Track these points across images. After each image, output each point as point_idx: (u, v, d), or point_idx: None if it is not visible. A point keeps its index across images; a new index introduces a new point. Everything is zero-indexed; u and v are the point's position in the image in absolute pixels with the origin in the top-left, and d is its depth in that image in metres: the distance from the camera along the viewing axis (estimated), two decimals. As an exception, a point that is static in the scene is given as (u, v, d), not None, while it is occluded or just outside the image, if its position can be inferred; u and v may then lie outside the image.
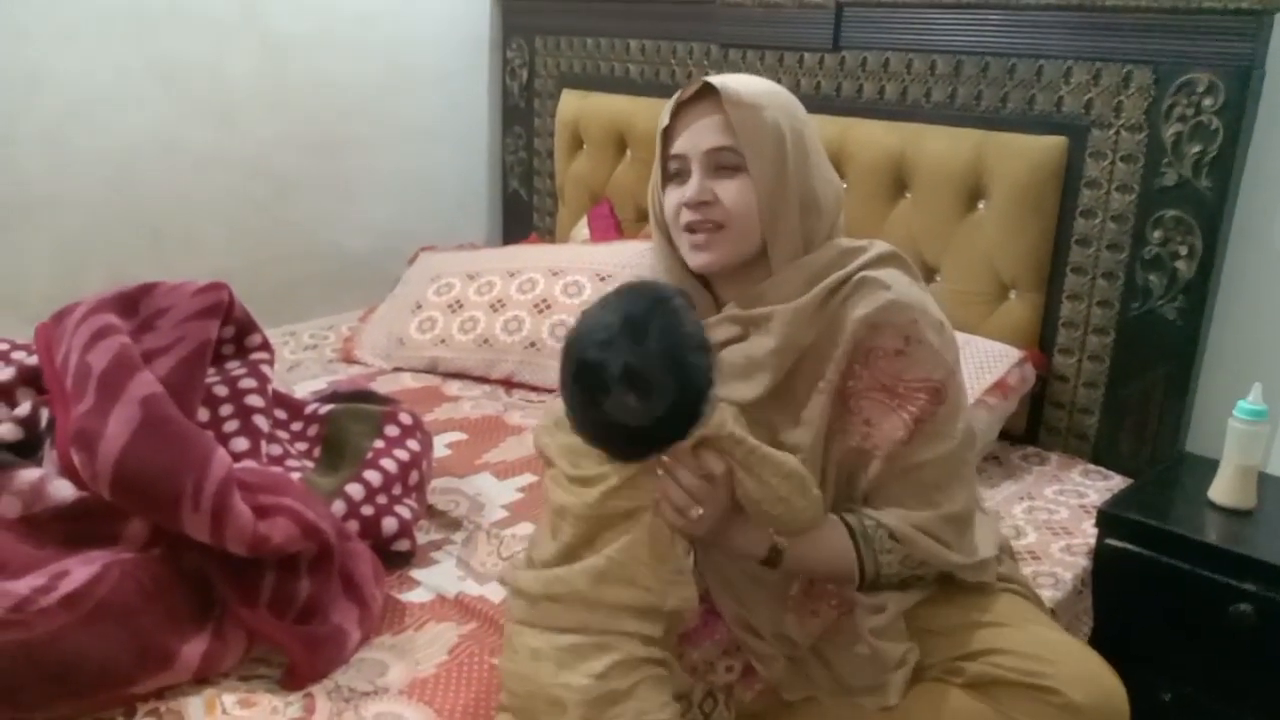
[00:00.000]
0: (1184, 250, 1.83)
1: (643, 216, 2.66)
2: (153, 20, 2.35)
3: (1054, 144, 1.92)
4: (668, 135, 1.29)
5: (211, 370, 1.57)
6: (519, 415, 2.13)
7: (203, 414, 1.51)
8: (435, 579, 1.52)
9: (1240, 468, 1.69)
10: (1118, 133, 1.86)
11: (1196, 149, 1.78)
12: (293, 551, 1.33)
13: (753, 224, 1.25)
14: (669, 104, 1.29)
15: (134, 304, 1.53)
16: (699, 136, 1.25)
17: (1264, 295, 1.88)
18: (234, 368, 1.61)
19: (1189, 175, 1.80)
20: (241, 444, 1.51)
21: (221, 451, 1.33)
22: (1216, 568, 1.59)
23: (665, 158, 1.30)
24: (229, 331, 1.63)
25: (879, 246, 1.29)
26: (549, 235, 2.95)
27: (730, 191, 1.24)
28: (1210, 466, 1.75)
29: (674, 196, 1.28)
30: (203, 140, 2.48)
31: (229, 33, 2.47)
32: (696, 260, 1.28)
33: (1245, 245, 1.87)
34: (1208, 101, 1.76)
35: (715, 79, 1.25)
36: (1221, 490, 1.70)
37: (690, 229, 1.26)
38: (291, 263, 2.69)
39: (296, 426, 1.69)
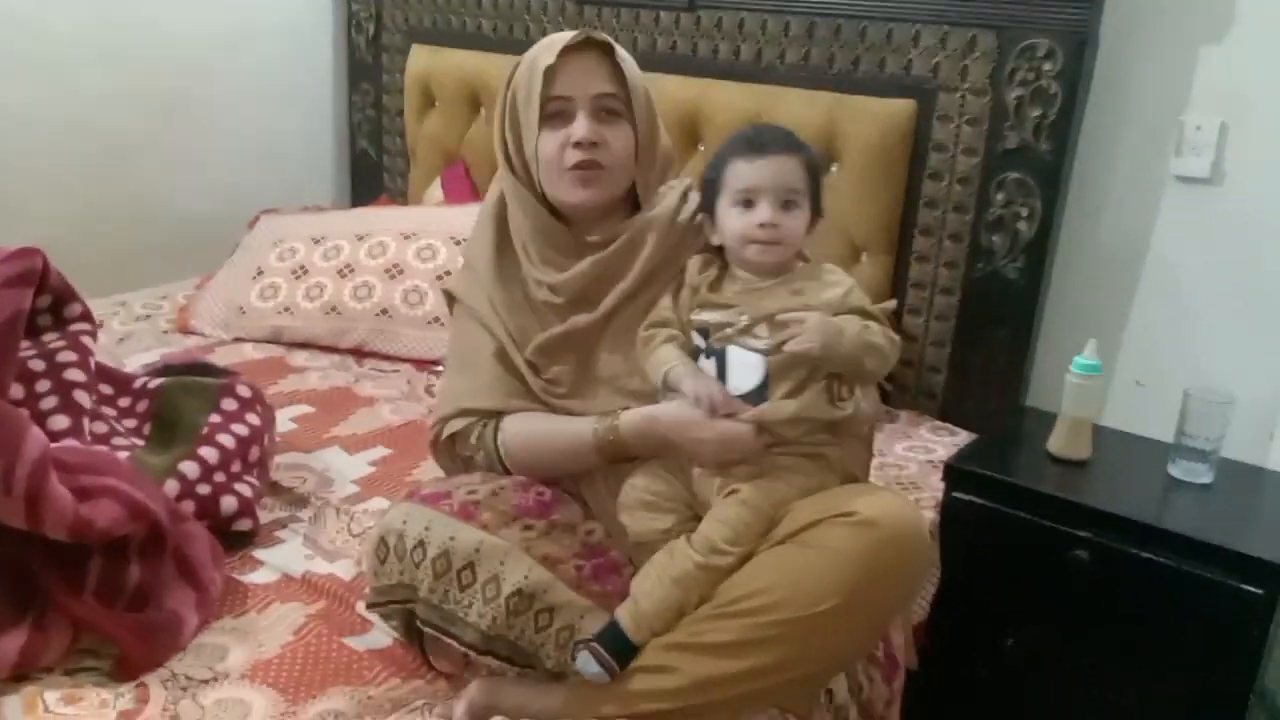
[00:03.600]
0: (1025, 212, 1.89)
1: (498, 178, 2.60)
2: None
3: (903, 107, 1.95)
4: (548, 77, 1.30)
5: (26, 343, 1.46)
6: (370, 386, 2.06)
7: (16, 390, 1.40)
8: (280, 558, 1.46)
9: (1076, 420, 1.76)
10: (964, 96, 1.91)
11: (1037, 113, 1.84)
12: (120, 535, 1.25)
13: (629, 168, 1.35)
14: (551, 45, 1.31)
15: (-68, 273, 1.40)
16: (587, 81, 1.31)
17: (1098, 256, 1.96)
18: (51, 340, 1.49)
19: (1030, 139, 1.86)
20: (61, 422, 1.41)
21: (36, 430, 1.23)
22: (1054, 516, 1.66)
23: (545, 98, 1.31)
24: (45, 301, 1.51)
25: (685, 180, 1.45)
26: (401, 197, 2.85)
27: (616, 135, 1.32)
28: (1049, 420, 1.82)
29: (556, 137, 1.31)
30: (22, 97, 2.29)
31: (51, -19, 2.29)
32: (579, 196, 1.33)
33: (1081, 208, 1.94)
34: (1047, 66, 1.82)
35: (595, 34, 1.33)
36: (1059, 442, 1.78)
37: (577, 166, 1.31)
38: (122, 229, 2.52)
39: (124, 402, 1.59)
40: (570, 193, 1.33)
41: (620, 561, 1.30)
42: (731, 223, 1.28)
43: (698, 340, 1.29)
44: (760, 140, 1.28)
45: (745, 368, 1.25)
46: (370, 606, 1.27)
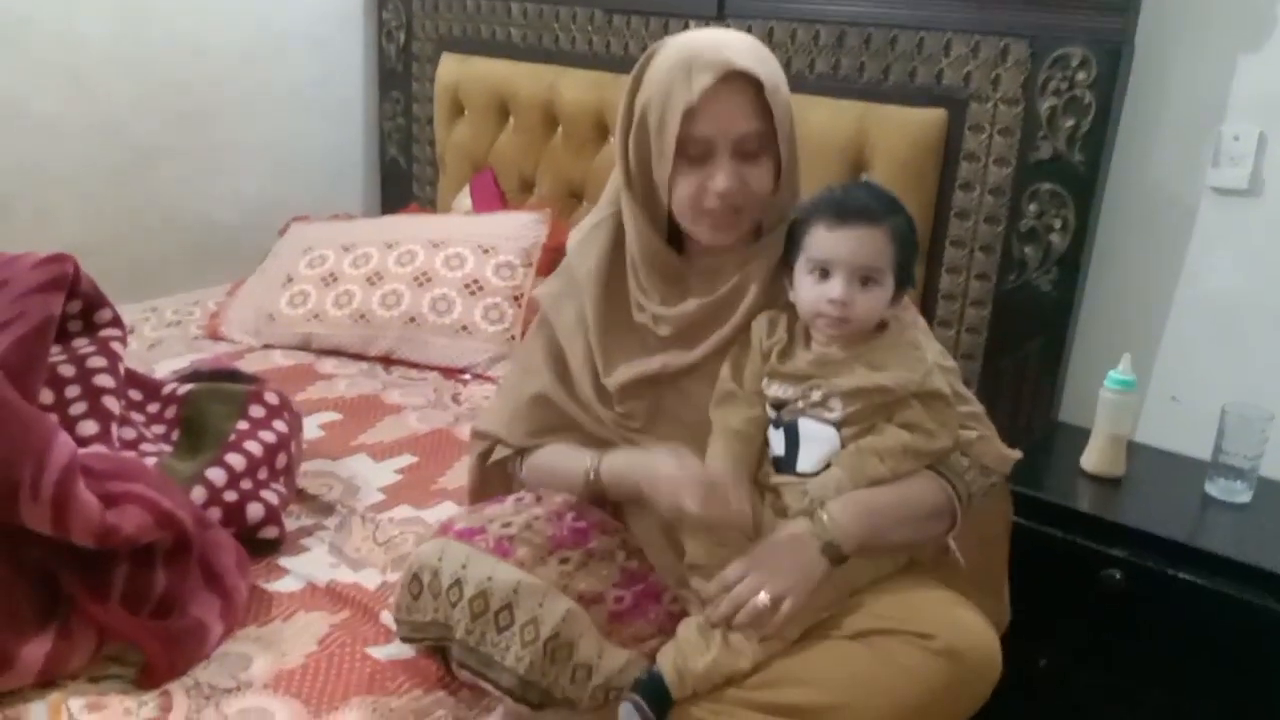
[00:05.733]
0: (1058, 223, 1.86)
1: (527, 186, 2.60)
2: (-9, -25, 2.18)
3: (934, 116, 1.93)
4: (688, 115, 1.21)
5: (56, 349, 1.47)
6: (398, 394, 2.06)
7: (46, 396, 1.42)
8: (305, 567, 1.45)
9: (1110, 437, 1.73)
10: (995, 106, 1.88)
11: (1070, 123, 1.81)
12: (146, 542, 1.26)
13: (766, 201, 1.27)
14: (690, 77, 1.20)
15: (-35, 279, 1.42)
16: (729, 122, 1.22)
17: (1133, 268, 1.93)
18: (81, 345, 1.50)
19: (1063, 149, 1.83)
20: (90, 427, 1.42)
21: (64, 436, 1.24)
22: (1088, 535, 1.63)
23: (684, 138, 1.22)
24: (75, 307, 1.52)
25: None
26: (430, 205, 2.85)
27: (758, 175, 1.25)
28: (1082, 435, 1.79)
29: (695, 178, 1.23)
30: (52, 106, 2.32)
31: (80, -8, 2.31)
32: (715, 238, 1.28)
33: (1116, 219, 1.91)
34: (1081, 76, 1.79)
35: (739, 57, 1.20)
36: (1092, 459, 1.75)
37: (712, 211, 1.25)
38: (153, 235, 2.55)
39: (153, 408, 1.60)
40: (706, 234, 1.28)
41: (660, 587, 1.28)
42: (805, 290, 1.21)
43: (771, 411, 1.24)
44: (846, 207, 1.19)
45: (817, 442, 1.21)
46: (403, 640, 1.25)
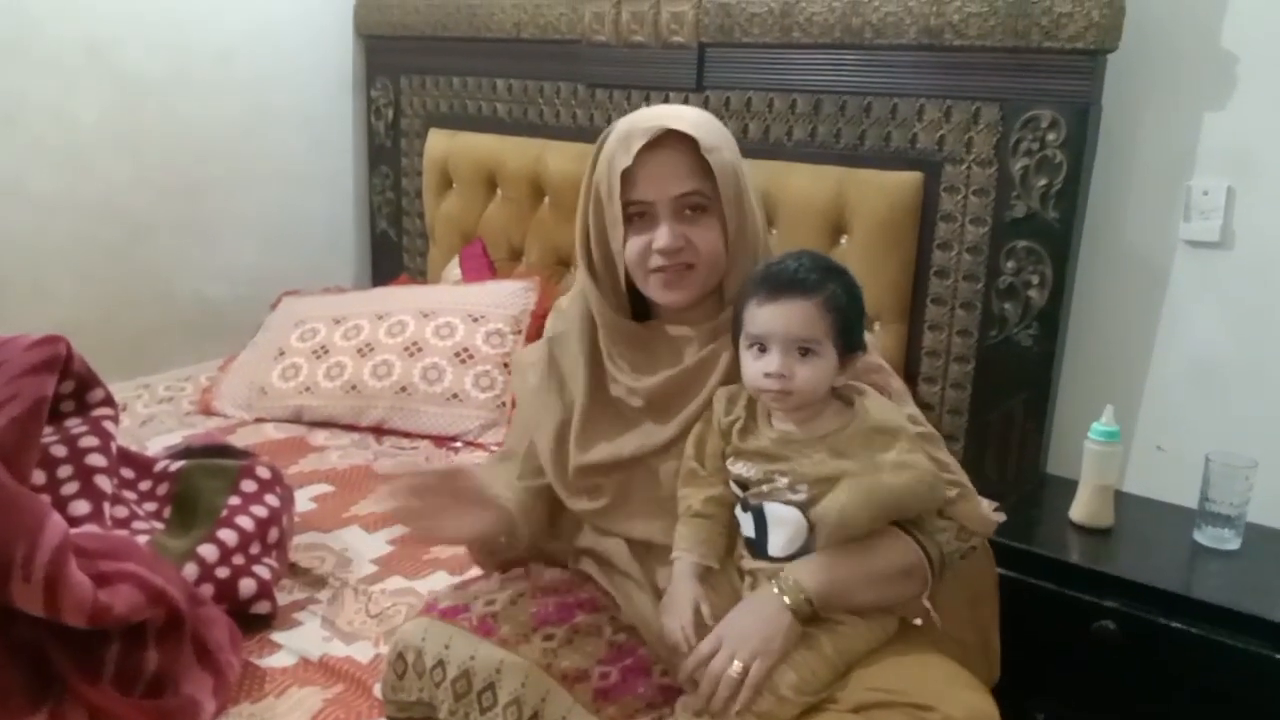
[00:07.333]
0: (1036, 279, 1.89)
1: (515, 255, 2.64)
2: (-12, 59, 2.23)
3: (910, 179, 1.98)
4: (625, 178, 1.24)
5: (49, 429, 1.49)
6: (390, 464, 2.06)
7: (38, 476, 1.43)
8: (298, 641, 1.45)
9: (1097, 487, 1.75)
10: (969, 167, 1.93)
11: (1043, 182, 1.86)
12: (138, 620, 1.26)
13: (721, 261, 1.27)
14: (629, 141, 1.23)
15: (-41, 362, 1.44)
16: (666, 183, 1.24)
17: (1112, 321, 1.96)
18: (74, 425, 1.52)
19: (1037, 207, 1.87)
20: (82, 507, 1.43)
21: (56, 517, 1.24)
22: (1080, 586, 1.64)
23: (625, 201, 1.25)
24: (68, 387, 1.54)
25: None
26: (420, 276, 2.89)
27: (701, 234, 1.25)
28: (1070, 487, 1.80)
29: (641, 240, 1.26)
30: (48, 184, 2.36)
31: (75, 73, 2.36)
32: (666, 298, 1.28)
33: (1093, 273, 1.95)
34: (1051, 136, 1.84)
35: (676, 122, 1.23)
36: (1081, 510, 1.76)
37: (661, 270, 1.26)
38: (146, 311, 2.57)
39: (145, 485, 1.61)
40: (658, 294, 1.28)
41: (649, 661, 1.27)
42: (746, 366, 1.20)
43: (736, 490, 1.23)
44: (776, 281, 1.18)
45: (785, 525, 1.19)
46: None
